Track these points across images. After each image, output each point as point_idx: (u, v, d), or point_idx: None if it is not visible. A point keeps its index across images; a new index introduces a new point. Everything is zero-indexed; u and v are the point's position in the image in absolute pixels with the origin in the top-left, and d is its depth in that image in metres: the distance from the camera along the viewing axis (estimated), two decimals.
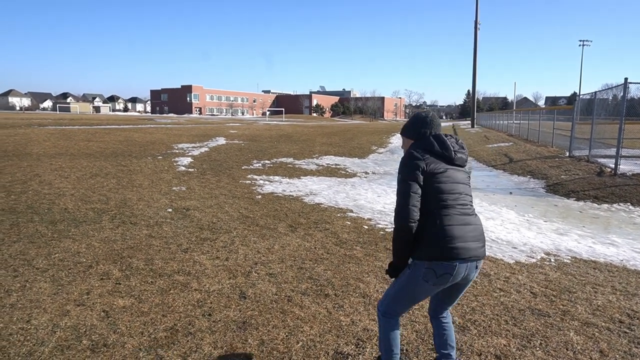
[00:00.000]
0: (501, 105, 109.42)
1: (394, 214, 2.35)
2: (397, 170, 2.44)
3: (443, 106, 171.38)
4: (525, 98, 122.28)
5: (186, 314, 3.50)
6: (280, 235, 5.74)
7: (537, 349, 3.09)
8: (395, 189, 2.40)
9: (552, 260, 5.12)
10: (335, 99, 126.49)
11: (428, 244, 2.27)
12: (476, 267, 2.35)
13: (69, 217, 6.27)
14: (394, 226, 2.35)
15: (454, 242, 2.25)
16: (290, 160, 14.33)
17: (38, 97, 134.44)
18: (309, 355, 2.95)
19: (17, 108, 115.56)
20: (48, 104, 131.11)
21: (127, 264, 4.54)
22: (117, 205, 7.09)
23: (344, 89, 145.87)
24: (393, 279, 2.51)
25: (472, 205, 2.44)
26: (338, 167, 13.47)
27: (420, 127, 2.53)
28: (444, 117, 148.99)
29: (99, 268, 4.40)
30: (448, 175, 2.35)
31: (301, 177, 11.09)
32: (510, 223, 6.91)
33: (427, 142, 2.45)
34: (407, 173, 2.34)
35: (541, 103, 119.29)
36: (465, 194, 2.40)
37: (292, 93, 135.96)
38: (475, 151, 19.21)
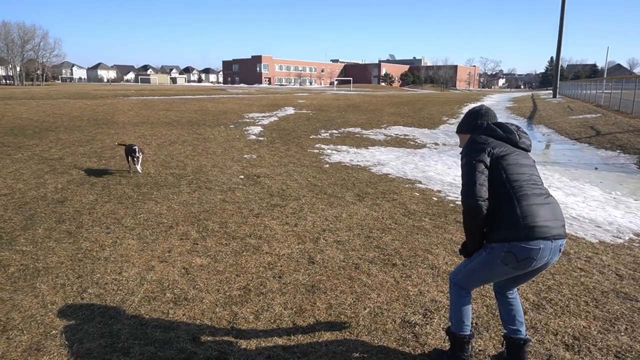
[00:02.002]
0: (589, 73, 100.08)
1: (460, 197, 2.28)
2: (460, 157, 2.39)
3: (521, 75, 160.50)
4: (619, 65, 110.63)
5: (258, 275, 3.67)
6: (348, 204, 5.78)
7: (622, 333, 2.89)
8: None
9: None
10: (405, 67, 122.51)
11: (507, 225, 2.15)
12: (559, 250, 2.21)
13: (152, 181, 6.74)
14: (462, 208, 2.28)
15: (536, 220, 2.12)
16: (357, 130, 14.22)
17: (122, 70, 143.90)
18: (376, 322, 2.99)
19: (105, 80, 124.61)
20: (131, 75, 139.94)
21: (203, 226, 4.82)
22: (194, 171, 7.49)
23: (414, 58, 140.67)
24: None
25: (544, 187, 2.31)
26: (407, 137, 13.17)
27: (475, 119, 2.49)
28: (521, 86, 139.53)
29: (179, 229, 4.72)
30: (516, 157, 2.28)
31: (369, 147, 11.00)
32: (594, 200, 6.42)
33: (488, 129, 2.42)
34: (471, 155, 2.28)
35: (638, 70, 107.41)
36: (536, 175, 2.31)
37: (360, 62, 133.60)
38: (556, 123, 17.87)
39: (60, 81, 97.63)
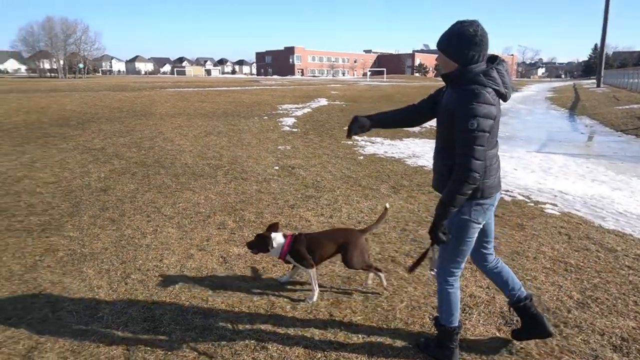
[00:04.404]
0: (636, 60, 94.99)
1: (462, 167, 2.09)
2: (466, 111, 2.05)
3: (562, 63, 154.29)
4: None
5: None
6: (383, 196, 5.73)
7: None
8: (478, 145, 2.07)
9: None
10: None
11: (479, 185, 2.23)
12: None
13: (189, 171, 6.89)
14: (462, 179, 2.09)
15: (495, 178, 2.32)
16: None
17: (159, 62, 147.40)
18: (412, 315, 2.96)
19: (142, 72, 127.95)
20: (167, 68, 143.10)
21: (240, 216, 4.90)
22: (229, 162, 7.61)
23: None
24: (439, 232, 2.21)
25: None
26: None
27: (468, 49, 2.10)
28: (562, 75, 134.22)
29: (216, 218, 4.81)
30: (498, 119, 2.21)
31: (403, 138, 10.86)
32: None
33: (492, 79, 2.10)
34: (484, 122, 2.04)
35: None
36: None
37: (393, 52, 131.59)
38: (600, 113, 17.08)
39: (100, 74, 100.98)
